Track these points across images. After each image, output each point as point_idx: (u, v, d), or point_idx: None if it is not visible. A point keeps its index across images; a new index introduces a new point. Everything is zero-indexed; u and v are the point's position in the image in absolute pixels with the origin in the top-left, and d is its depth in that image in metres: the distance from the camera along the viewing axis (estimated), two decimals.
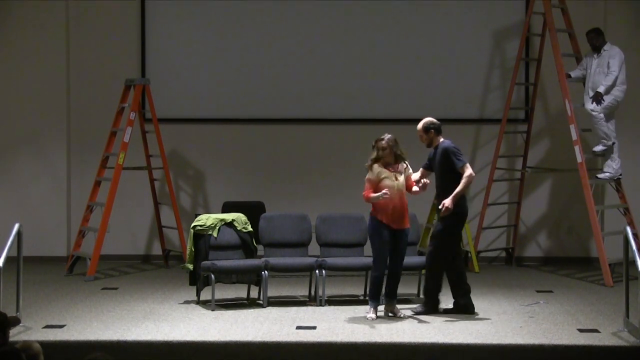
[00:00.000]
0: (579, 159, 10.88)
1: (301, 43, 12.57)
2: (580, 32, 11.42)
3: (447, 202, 8.89)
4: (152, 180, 12.26)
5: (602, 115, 11.00)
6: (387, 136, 8.89)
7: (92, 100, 12.65)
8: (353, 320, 8.72)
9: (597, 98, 10.97)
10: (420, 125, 9.20)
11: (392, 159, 8.88)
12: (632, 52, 12.01)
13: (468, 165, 9.02)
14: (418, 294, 9.84)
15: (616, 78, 11.01)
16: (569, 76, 11.28)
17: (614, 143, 11.12)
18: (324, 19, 12.56)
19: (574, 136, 10.93)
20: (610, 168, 11.21)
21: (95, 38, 12.66)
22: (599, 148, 11.08)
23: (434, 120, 9.21)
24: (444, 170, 9.04)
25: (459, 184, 8.95)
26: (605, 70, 11.05)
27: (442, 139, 9.16)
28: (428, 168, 9.26)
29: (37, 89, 12.59)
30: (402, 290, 10.10)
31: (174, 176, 12.47)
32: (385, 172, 8.83)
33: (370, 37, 12.51)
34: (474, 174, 9.06)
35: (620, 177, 11.31)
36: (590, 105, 11.03)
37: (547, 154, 12.54)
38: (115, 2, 12.67)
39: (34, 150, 12.64)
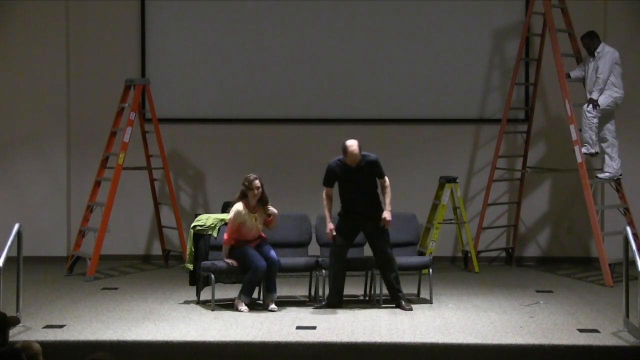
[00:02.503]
0: (579, 159, 10.87)
1: (301, 43, 12.56)
2: (581, 32, 11.40)
3: (389, 215, 9.20)
4: (152, 180, 12.25)
5: (596, 120, 10.94)
6: (253, 176, 9.18)
7: (92, 100, 12.63)
8: (353, 320, 8.72)
9: (591, 103, 10.95)
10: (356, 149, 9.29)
11: (255, 201, 9.20)
12: (632, 52, 12.00)
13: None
14: (418, 294, 9.84)
15: (606, 80, 10.97)
16: (569, 76, 11.26)
17: (597, 153, 11.08)
18: (324, 20, 12.55)
19: (574, 136, 10.92)
20: (611, 168, 11.19)
21: (95, 38, 12.65)
22: (584, 150, 10.99)
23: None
24: (373, 180, 9.37)
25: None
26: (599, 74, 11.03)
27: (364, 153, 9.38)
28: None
29: (37, 89, 12.58)
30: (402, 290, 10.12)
31: (174, 176, 12.46)
32: (246, 214, 9.18)
33: (370, 37, 12.50)
34: None
35: (620, 177, 11.30)
36: (588, 107, 11.00)
37: (547, 154, 12.53)
38: (115, 2, 12.66)
39: (34, 150, 12.63)
